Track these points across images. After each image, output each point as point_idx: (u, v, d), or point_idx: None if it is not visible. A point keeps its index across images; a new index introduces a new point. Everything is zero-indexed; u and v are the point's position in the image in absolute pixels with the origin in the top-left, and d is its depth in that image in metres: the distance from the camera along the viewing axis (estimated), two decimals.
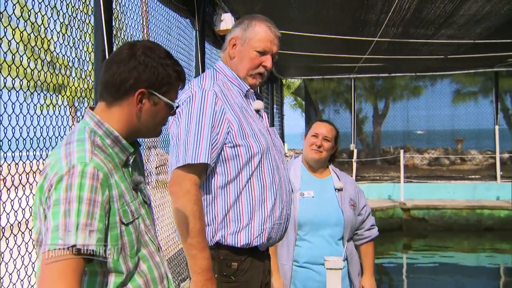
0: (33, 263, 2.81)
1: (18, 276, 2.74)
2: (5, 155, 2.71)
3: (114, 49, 3.41)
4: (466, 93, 15.94)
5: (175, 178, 2.12)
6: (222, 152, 2.20)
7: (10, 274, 2.66)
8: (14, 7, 2.72)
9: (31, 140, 2.86)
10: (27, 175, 2.84)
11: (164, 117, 1.69)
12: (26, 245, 2.81)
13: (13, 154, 2.75)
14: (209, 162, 2.13)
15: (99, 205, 1.47)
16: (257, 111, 2.41)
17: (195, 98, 2.18)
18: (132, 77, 1.60)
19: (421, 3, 6.55)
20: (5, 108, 2.59)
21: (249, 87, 2.38)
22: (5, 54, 2.61)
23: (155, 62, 1.61)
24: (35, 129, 2.88)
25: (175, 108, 1.70)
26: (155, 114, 1.65)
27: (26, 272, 2.77)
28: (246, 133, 2.23)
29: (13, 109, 2.67)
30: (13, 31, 2.69)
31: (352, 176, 12.95)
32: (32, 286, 2.81)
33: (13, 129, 2.67)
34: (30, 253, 2.81)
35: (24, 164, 2.84)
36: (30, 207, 2.77)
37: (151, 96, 1.62)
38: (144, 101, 1.62)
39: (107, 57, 3.18)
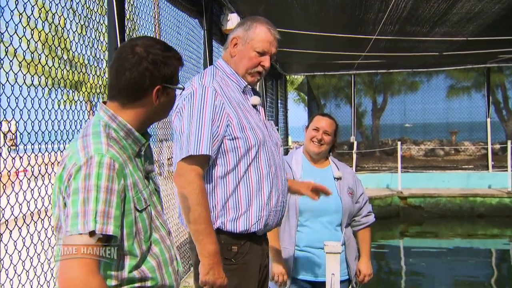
0: (52, 247, 2.83)
1: (31, 263, 2.75)
2: (25, 147, 2.73)
3: None
4: (460, 88, 15.84)
5: (179, 169, 2.14)
6: (222, 144, 2.21)
7: (22, 262, 2.68)
8: (32, 8, 2.72)
9: (49, 133, 2.88)
10: (46, 166, 2.86)
11: (174, 101, 1.74)
12: (46, 231, 2.83)
13: (32, 146, 2.77)
14: (210, 154, 2.15)
15: (115, 193, 1.48)
16: (254, 106, 2.41)
17: (195, 94, 2.19)
18: (147, 78, 1.61)
19: (417, 2, 6.51)
20: (24, 104, 2.61)
21: (246, 83, 2.39)
22: (24, 53, 2.63)
23: (161, 57, 1.63)
24: (52, 123, 2.90)
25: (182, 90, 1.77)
26: (169, 103, 1.70)
27: (38, 259, 2.79)
28: (244, 126, 2.24)
29: (32, 105, 2.68)
30: (32, 31, 2.70)
31: (352, 167, 12.94)
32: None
33: (32, 123, 2.69)
34: (49, 238, 2.84)
35: (43, 156, 2.86)
36: (49, 196, 2.80)
37: (165, 89, 1.65)
38: (160, 95, 1.64)
39: None
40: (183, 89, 1.77)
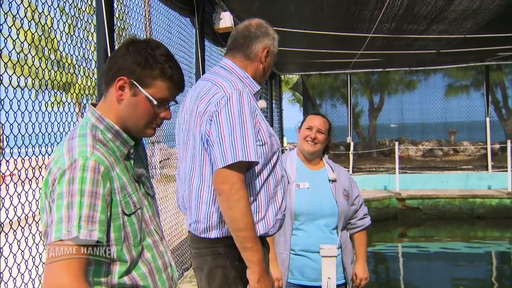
0: (40, 254, 2.83)
1: (19, 270, 2.74)
2: (11, 151, 2.71)
3: (116, 47, 3.42)
4: (459, 87, 15.91)
5: (224, 176, 2.11)
6: None
7: (17, 265, 2.67)
8: (18, 8, 2.71)
9: (37, 136, 2.87)
10: (33, 170, 2.85)
11: (146, 113, 1.63)
12: (34, 237, 2.82)
13: (19, 150, 2.76)
14: (258, 161, 2.16)
15: (100, 197, 1.48)
16: (261, 110, 2.43)
17: (232, 99, 2.17)
18: (117, 64, 1.61)
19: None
20: (10, 106, 2.60)
21: (260, 87, 2.44)
22: (10, 53, 2.61)
23: (141, 55, 1.60)
24: (40, 125, 2.88)
25: (155, 103, 1.62)
26: (135, 106, 1.62)
27: (26, 266, 2.78)
28: (270, 132, 2.29)
29: (19, 107, 2.67)
30: (18, 31, 2.69)
31: (349, 168, 12.98)
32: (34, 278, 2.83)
33: (19, 126, 2.68)
34: (37, 244, 2.83)
35: (30, 160, 2.85)
36: (37, 201, 2.79)
37: (132, 86, 1.61)
38: (126, 90, 1.61)
39: (109, 55, 3.18)
40: (160, 103, 1.64)
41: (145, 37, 5.01)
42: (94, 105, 1.68)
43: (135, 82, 1.60)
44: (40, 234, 2.85)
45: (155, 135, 5.50)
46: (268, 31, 2.43)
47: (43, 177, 2.82)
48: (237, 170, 2.11)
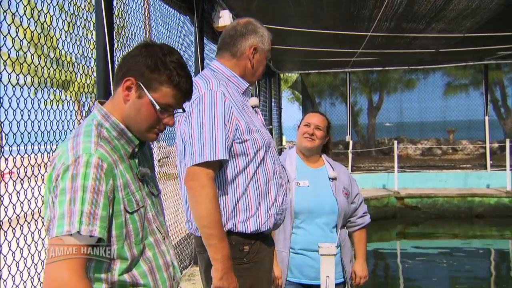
0: (39, 252, 2.83)
1: (18, 268, 2.74)
2: (10, 148, 2.71)
3: (116, 45, 3.42)
4: (458, 86, 15.93)
5: (192, 173, 2.15)
6: (232, 148, 2.24)
7: (16, 263, 2.67)
8: (17, 5, 2.71)
9: (36, 134, 2.87)
10: (33, 168, 2.84)
11: (149, 117, 1.63)
12: (33, 235, 2.82)
13: (18, 148, 2.76)
14: (227, 158, 2.17)
15: (102, 193, 1.49)
16: (252, 107, 2.45)
17: (204, 99, 2.20)
18: (128, 65, 1.62)
19: None
20: (9, 103, 2.59)
21: (248, 84, 2.43)
22: (9, 51, 2.61)
23: (151, 58, 1.61)
24: (39, 123, 2.88)
25: (158, 108, 1.61)
26: (139, 108, 1.62)
27: (25, 264, 2.78)
28: (251, 129, 2.28)
29: (18, 104, 2.67)
30: (17, 29, 2.68)
31: (348, 167, 12.97)
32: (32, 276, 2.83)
33: (18, 124, 2.67)
34: (36, 242, 2.83)
35: (29, 158, 2.84)
36: (36, 199, 2.79)
37: (139, 88, 1.61)
38: (132, 92, 1.62)
39: (108, 53, 3.18)
40: (163, 108, 1.64)
41: (144, 35, 5.01)
42: (102, 103, 1.69)
43: (141, 84, 1.61)
44: (40, 232, 2.86)
45: None
46: (255, 29, 2.44)
47: (42, 175, 2.83)
48: (206, 167, 2.14)
